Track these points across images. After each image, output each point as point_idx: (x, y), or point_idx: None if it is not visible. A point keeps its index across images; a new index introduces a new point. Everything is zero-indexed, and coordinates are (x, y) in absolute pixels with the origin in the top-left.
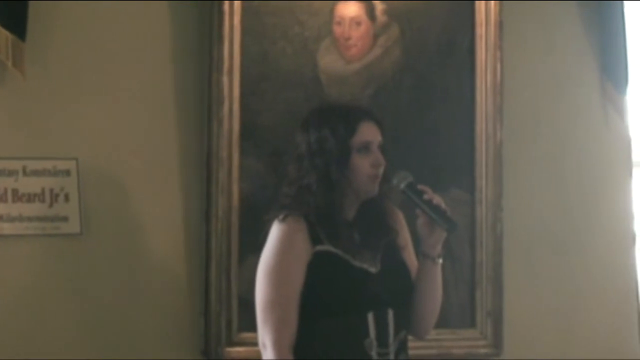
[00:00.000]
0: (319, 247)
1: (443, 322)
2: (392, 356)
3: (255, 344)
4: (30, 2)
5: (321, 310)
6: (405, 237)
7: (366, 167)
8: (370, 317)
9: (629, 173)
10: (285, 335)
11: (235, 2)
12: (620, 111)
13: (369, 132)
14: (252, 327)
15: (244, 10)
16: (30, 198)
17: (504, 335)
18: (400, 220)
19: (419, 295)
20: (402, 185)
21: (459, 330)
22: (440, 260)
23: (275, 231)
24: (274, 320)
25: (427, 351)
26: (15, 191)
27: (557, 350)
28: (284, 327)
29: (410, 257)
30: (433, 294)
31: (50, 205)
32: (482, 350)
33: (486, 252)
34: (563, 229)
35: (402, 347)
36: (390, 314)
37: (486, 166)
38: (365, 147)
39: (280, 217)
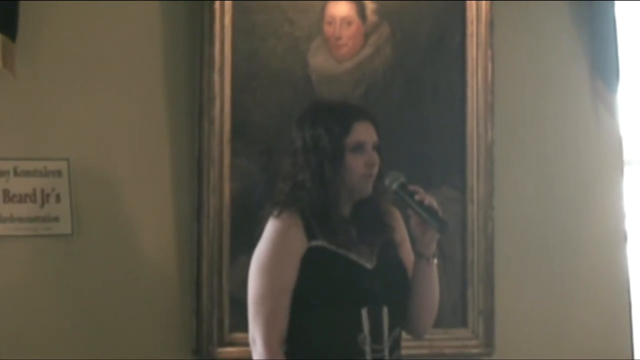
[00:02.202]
0: (314, 243)
1: (435, 322)
2: (386, 353)
3: (246, 343)
4: (21, 2)
5: (315, 305)
6: (402, 235)
7: (360, 166)
8: (364, 312)
9: (620, 172)
10: (275, 330)
11: (226, 1)
12: (611, 110)
13: (363, 132)
14: (244, 327)
15: (234, 9)
16: (21, 198)
17: (496, 335)
18: (397, 218)
19: (415, 294)
20: (394, 186)
21: (451, 330)
22: (435, 260)
23: (270, 227)
24: (264, 315)
25: (418, 351)
26: (6, 192)
27: (548, 349)
28: (275, 323)
29: (408, 255)
30: (429, 293)
31: (42, 205)
32: (474, 350)
33: (477, 251)
34: (555, 228)
35: (396, 344)
36: (385, 310)
37: (477, 165)
38: (360, 147)
39: (275, 212)
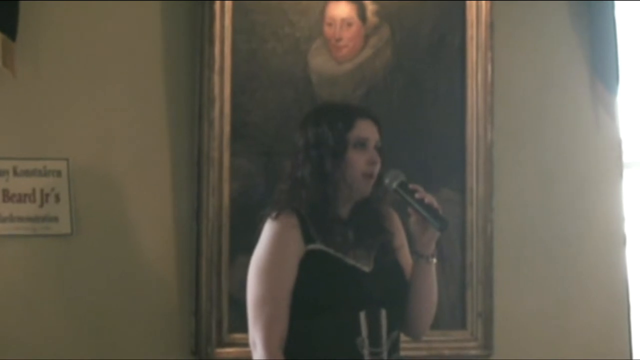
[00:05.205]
0: (311, 246)
1: (433, 323)
2: (384, 356)
3: (245, 344)
4: (21, 2)
5: (313, 309)
6: (401, 239)
7: (361, 163)
8: (362, 316)
9: (620, 174)
10: (276, 334)
11: (226, 1)
12: (610, 112)
13: (366, 129)
14: (243, 328)
15: (235, 9)
16: (20, 198)
17: (495, 336)
18: (396, 222)
19: (414, 294)
20: (394, 184)
21: (450, 332)
22: (434, 260)
23: (267, 229)
24: (264, 319)
25: (417, 352)
26: (5, 191)
27: (547, 350)
28: (274, 326)
29: (406, 259)
30: (428, 294)
31: (41, 205)
32: (473, 352)
33: (477, 252)
34: (554, 230)
35: (395, 347)
36: (383, 313)
37: (477, 166)
38: (362, 143)
39: (273, 215)
